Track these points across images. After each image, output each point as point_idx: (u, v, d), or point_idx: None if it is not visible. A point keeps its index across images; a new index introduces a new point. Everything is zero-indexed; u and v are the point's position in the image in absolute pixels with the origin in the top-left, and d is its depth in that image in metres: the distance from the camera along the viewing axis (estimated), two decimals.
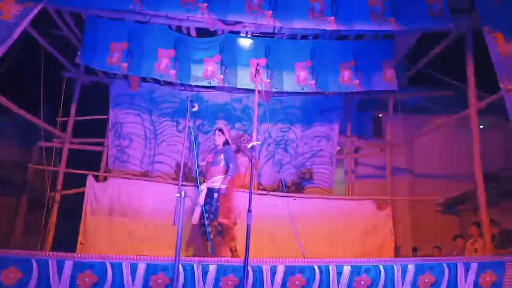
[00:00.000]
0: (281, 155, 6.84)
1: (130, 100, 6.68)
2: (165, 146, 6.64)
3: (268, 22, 5.06)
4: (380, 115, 8.54)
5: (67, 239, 5.77)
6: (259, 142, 6.80)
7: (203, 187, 4.87)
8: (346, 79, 5.90)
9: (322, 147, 6.94)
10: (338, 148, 7.13)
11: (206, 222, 4.72)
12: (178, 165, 6.26)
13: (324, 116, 6.98)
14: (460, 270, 3.59)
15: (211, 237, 4.62)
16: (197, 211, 4.87)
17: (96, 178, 6.21)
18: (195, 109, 3.70)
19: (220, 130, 5.14)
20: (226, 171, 4.87)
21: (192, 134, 4.42)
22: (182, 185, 3.14)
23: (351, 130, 7.36)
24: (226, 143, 5.08)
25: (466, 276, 3.59)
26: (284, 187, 5.04)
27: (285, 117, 6.95)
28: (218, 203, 4.76)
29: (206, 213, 4.76)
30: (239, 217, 4.98)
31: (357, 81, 5.88)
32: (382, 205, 6.36)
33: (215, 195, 4.78)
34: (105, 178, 6.26)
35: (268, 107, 6.73)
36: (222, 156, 4.95)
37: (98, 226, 5.75)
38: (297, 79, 5.88)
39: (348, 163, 7.31)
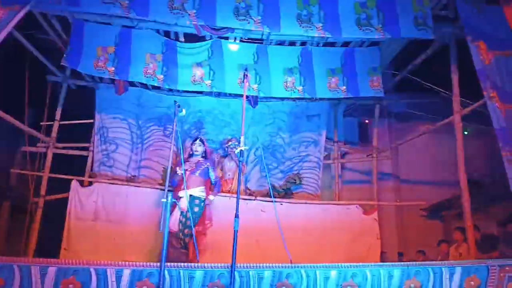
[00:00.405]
0: (269, 160, 6.82)
1: (117, 105, 6.58)
2: (152, 151, 6.55)
3: (256, 27, 5.09)
4: (367, 121, 8.64)
5: (50, 245, 5.68)
6: (247, 147, 6.81)
7: (183, 194, 4.98)
8: (333, 86, 5.93)
9: (310, 152, 6.93)
10: (325, 153, 7.15)
11: (185, 230, 4.99)
12: (165, 170, 6.23)
13: (311, 122, 6.99)
14: (445, 274, 3.61)
15: (186, 244, 4.71)
16: (176, 217, 4.97)
17: (81, 183, 6.12)
18: (183, 114, 3.77)
19: (201, 140, 5.56)
20: (210, 183, 5.39)
21: (180, 139, 4.43)
22: (168, 190, 3.15)
23: (338, 136, 7.39)
24: (205, 155, 5.52)
25: (451, 281, 3.61)
26: (271, 192, 5.06)
27: (273, 122, 6.95)
28: (201, 212, 5.09)
29: (187, 220, 4.84)
30: (211, 226, 5.37)
31: (344, 88, 5.92)
32: (368, 210, 6.39)
33: (201, 204, 4.94)
34: (90, 183, 6.16)
35: (256, 112, 6.84)
36: (208, 168, 5.36)
37: (82, 232, 5.67)
38: (285, 85, 5.88)
39: (335, 168, 7.31)
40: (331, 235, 5.99)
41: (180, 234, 5.13)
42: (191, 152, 5.63)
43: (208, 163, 5.57)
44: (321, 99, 6.68)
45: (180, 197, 5.15)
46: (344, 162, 7.72)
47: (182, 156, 4.47)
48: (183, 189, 5.06)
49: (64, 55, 5.49)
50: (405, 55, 6.30)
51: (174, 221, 5.04)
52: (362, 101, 7.15)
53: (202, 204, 5.23)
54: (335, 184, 7.23)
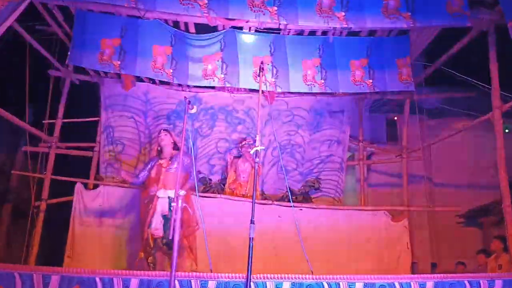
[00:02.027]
0: (287, 161, 6.82)
1: (123, 101, 6.69)
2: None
3: (272, 19, 5.08)
4: (395, 118, 8.56)
5: (53, 252, 5.85)
6: (263, 147, 6.83)
7: (162, 194, 4.94)
8: (358, 79, 5.89)
9: (332, 152, 6.93)
10: (349, 154, 7.15)
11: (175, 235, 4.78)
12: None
13: (334, 119, 6.99)
14: None
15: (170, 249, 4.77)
16: (158, 222, 4.90)
17: (86, 186, 6.21)
18: (194, 111, 3.71)
19: (166, 130, 5.43)
20: (186, 178, 5.08)
21: (190, 138, 4.44)
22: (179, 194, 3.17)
23: (364, 134, 7.36)
24: (175, 147, 5.29)
25: None
26: (290, 196, 5.07)
27: (292, 119, 6.95)
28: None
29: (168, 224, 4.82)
30: (198, 229, 5.12)
31: (370, 81, 5.88)
32: (397, 217, 6.35)
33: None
34: (96, 186, 6.25)
35: (273, 108, 6.84)
36: (188, 161, 5.01)
37: (87, 238, 5.75)
38: (304, 79, 5.85)
39: (360, 170, 7.29)
40: (356, 243, 5.98)
41: (165, 240, 5.01)
42: (159, 148, 5.45)
43: (185, 159, 5.08)
44: (344, 94, 6.66)
45: (159, 198, 5.05)
46: (370, 164, 7.70)
47: (193, 156, 4.44)
48: (161, 188, 5.01)
49: (68, 53, 5.57)
50: (438, 44, 6.19)
51: (158, 227, 4.92)
52: (391, 95, 7.10)
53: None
54: (360, 187, 7.21)
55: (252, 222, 3.19)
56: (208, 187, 6.55)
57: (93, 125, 6.75)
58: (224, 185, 6.54)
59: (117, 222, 5.91)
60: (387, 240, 6.08)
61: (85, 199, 5.93)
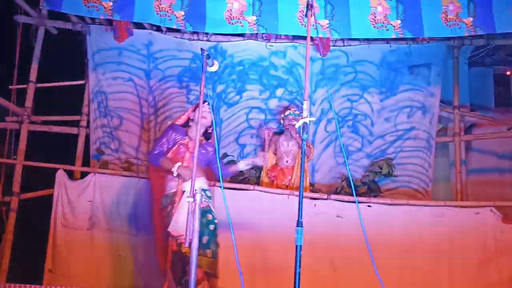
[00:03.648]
0: (347, 138, 6.85)
1: (118, 57, 6.80)
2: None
3: None
4: (508, 73, 8.30)
5: (29, 264, 6.02)
6: (314, 119, 6.81)
7: (187, 187, 4.78)
8: (452, 17, 5.74)
9: (414, 124, 6.90)
10: (439, 126, 7.07)
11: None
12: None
13: (416, 76, 6.93)
14: None
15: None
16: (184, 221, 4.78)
17: (70, 174, 6.30)
18: (214, 68, 3.77)
19: (211, 106, 5.27)
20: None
21: (211, 106, 4.45)
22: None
23: (461, 98, 7.18)
24: (208, 133, 5.27)
25: None
26: (353, 187, 4.98)
27: (355, 78, 6.95)
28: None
29: (210, 224, 4.88)
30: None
31: (469, 19, 5.73)
32: (511, 216, 6.25)
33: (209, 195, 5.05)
34: (84, 175, 6.31)
35: (328, 63, 6.81)
36: (211, 157, 5.14)
37: (73, 246, 5.84)
38: (372, 19, 5.77)
39: (456, 150, 7.08)
40: (450, 254, 5.85)
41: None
42: (190, 122, 5.23)
43: (209, 148, 5.29)
44: (431, 39, 6.62)
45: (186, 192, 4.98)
46: (470, 140, 7.52)
47: (215, 132, 4.45)
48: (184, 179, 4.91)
49: None
50: None
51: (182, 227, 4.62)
52: (500, 41, 6.96)
53: (210, 195, 5.18)
54: (456, 174, 7.04)
55: (299, 224, 3.17)
56: (237, 176, 6.53)
57: (78, 91, 6.85)
58: (259, 172, 6.59)
59: (114, 223, 5.95)
60: (495, 248, 5.86)
61: (70, 193, 6.00)
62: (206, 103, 5.07)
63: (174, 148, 5.03)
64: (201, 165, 5.04)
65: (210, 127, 5.27)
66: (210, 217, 4.88)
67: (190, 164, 4.90)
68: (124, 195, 6.06)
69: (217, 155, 5.17)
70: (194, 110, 5.20)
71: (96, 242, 5.92)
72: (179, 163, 4.85)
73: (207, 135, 5.28)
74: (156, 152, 5.02)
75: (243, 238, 5.05)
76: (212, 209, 4.94)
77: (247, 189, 6.07)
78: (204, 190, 4.91)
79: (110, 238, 5.95)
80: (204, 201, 4.75)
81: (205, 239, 4.77)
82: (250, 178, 6.60)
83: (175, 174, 4.82)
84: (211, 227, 4.85)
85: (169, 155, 5.01)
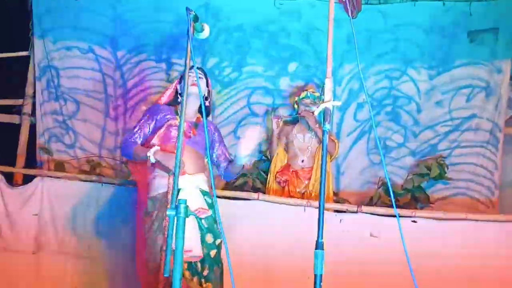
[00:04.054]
0: (385, 129, 6.78)
1: (74, 20, 6.74)
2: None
3: None
4: None
5: None
6: (339, 103, 6.67)
7: (185, 184, 4.72)
8: None
9: (475, 110, 6.76)
10: (509, 112, 6.89)
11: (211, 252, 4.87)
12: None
13: (478, 46, 6.76)
14: None
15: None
16: (193, 234, 4.69)
17: (10, 178, 6.17)
18: (205, 34, 3.63)
19: (201, 68, 5.29)
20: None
21: (199, 85, 4.39)
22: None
23: None
24: (206, 107, 5.14)
25: None
26: (392, 196, 4.87)
27: (395, 47, 6.84)
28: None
29: (208, 233, 4.82)
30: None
31: None
32: None
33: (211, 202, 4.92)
34: (27, 179, 6.22)
35: (358, 27, 6.55)
36: (213, 130, 5.15)
37: (13, 275, 5.75)
38: None
39: None
40: None
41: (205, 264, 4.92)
42: (179, 96, 5.20)
43: (213, 127, 5.35)
44: None
45: (182, 190, 4.82)
46: None
47: (204, 118, 4.38)
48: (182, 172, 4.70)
49: None
50: None
51: (194, 239, 4.75)
52: None
53: (211, 201, 5.02)
54: None
55: (319, 246, 3.05)
56: (235, 179, 6.36)
57: (20, 66, 6.82)
58: (266, 174, 6.56)
59: (71, 245, 5.86)
60: None
61: (9, 203, 5.91)
62: (198, 68, 5.06)
63: (162, 131, 4.92)
64: (200, 152, 5.00)
65: (207, 98, 5.23)
66: (210, 239, 4.76)
67: (189, 154, 4.86)
68: (82, 206, 5.96)
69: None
70: (180, 82, 5.14)
71: (45, 270, 5.80)
72: (157, 147, 4.68)
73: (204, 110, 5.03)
74: (128, 139, 4.92)
75: (243, 262, 5.11)
76: (216, 225, 4.81)
77: (248, 198, 5.89)
78: (202, 193, 4.85)
79: (63, 264, 5.82)
80: (202, 210, 4.76)
81: (205, 269, 4.77)
82: (252, 180, 6.52)
83: (152, 161, 4.64)
84: (212, 253, 4.78)
85: (155, 140, 4.90)
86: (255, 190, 6.28)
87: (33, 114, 6.76)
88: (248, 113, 6.97)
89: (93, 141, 6.77)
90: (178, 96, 5.10)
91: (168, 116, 4.96)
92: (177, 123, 4.83)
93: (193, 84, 4.88)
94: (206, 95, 5.16)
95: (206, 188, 4.92)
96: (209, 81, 5.26)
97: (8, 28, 6.90)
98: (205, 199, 4.83)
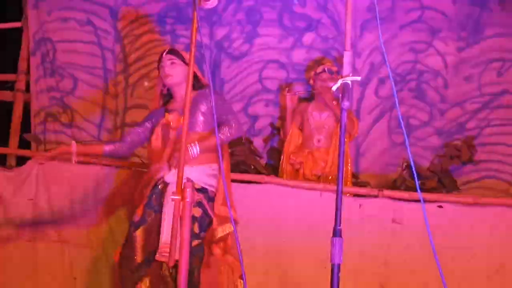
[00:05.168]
0: (409, 107, 6.73)
1: None
2: (149, 90, 6.61)
3: None
4: None
5: None
6: (359, 78, 6.61)
7: (171, 178, 4.77)
8: None
9: (507, 85, 6.68)
10: None
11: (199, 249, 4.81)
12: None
13: (511, 14, 6.61)
14: None
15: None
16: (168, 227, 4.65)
17: (3, 160, 6.20)
18: (213, 3, 3.48)
19: (172, 50, 5.11)
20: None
21: (207, 61, 4.29)
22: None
23: None
24: (198, 83, 5.02)
25: None
26: (416, 180, 4.76)
27: (420, 17, 6.76)
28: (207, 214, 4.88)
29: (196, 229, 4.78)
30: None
31: None
32: None
33: (204, 198, 4.74)
34: (21, 161, 6.17)
35: None
36: (204, 107, 4.91)
37: (7, 265, 5.73)
38: None
39: None
40: None
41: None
42: (162, 90, 5.29)
43: (203, 96, 5.10)
44: None
45: (169, 185, 4.96)
46: None
47: (212, 96, 4.28)
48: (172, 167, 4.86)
49: None
50: None
51: (166, 235, 4.74)
52: None
53: (206, 198, 4.95)
54: None
55: (336, 233, 2.86)
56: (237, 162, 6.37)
57: (13, 38, 6.79)
58: (279, 155, 6.53)
59: (68, 232, 5.80)
60: None
61: (2, 187, 5.83)
62: (166, 53, 5.04)
63: (153, 135, 5.02)
64: (199, 130, 4.95)
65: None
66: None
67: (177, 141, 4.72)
68: (82, 190, 5.92)
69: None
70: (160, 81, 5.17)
71: (41, 259, 5.76)
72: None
73: (199, 84, 5.05)
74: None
75: (256, 251, 5.37)
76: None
77: (259, 181, 5.83)
78: (198, 190, 4.45)
79: (60, 254, 5.78)
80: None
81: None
82: (265, 165, 6.47)
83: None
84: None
85: (151, 140, 5.05)
86: (267, 172, 6.28)
87: (27, 91, 6.71)
88: (260, 89, 6.94)
89: (91, 121, 6.78)
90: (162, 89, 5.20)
91: (153, 118, 5.16)
92: (164, 120, 4.99)
93: (165, 76, 5.01)
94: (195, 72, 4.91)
95: (204, 182, 4.96)
96: (188, 55, 5.02)
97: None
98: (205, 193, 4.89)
